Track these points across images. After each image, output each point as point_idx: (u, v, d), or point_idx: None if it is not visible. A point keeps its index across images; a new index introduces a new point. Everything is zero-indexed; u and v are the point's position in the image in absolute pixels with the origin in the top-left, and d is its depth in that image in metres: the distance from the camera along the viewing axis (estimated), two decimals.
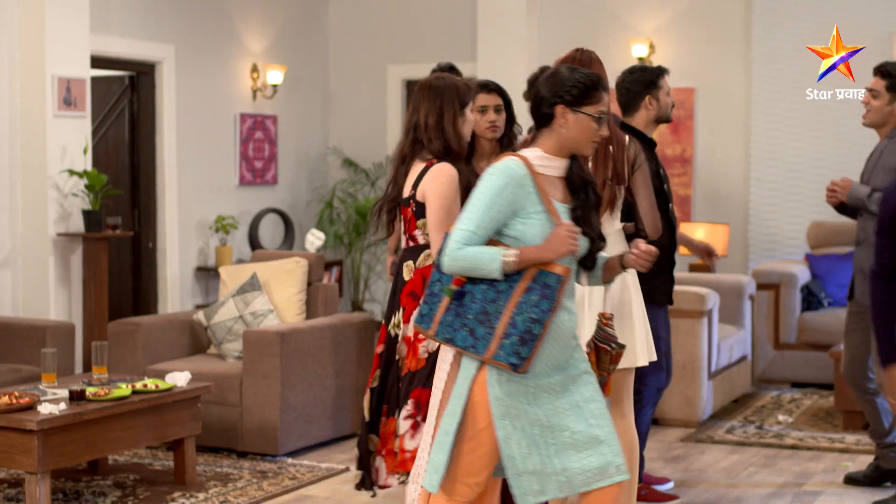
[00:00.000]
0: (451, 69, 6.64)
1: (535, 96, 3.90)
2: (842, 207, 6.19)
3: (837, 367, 7.40)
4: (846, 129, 9.59)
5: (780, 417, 7.90)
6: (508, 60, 10.30)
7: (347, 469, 6.55)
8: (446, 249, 3.77)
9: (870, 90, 6.06)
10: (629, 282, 4.99)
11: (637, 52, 10.24)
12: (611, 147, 5.03)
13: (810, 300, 9.10)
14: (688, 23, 10.33)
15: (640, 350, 5.02)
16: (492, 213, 3.76)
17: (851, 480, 6.33)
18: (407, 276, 4.92)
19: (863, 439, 7.19)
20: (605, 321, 4.14)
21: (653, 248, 3.93)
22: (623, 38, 10.42)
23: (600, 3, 10.58)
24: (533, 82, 6.22)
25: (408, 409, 4.84)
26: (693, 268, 9.75)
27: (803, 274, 9.18)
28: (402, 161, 5.00)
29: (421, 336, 3.91)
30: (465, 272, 3.76)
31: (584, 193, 3.92)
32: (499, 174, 3.79)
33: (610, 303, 4.03)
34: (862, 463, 6.68)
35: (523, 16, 10.44)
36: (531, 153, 3.87)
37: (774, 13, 9.96)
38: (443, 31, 11.23)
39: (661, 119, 5.93)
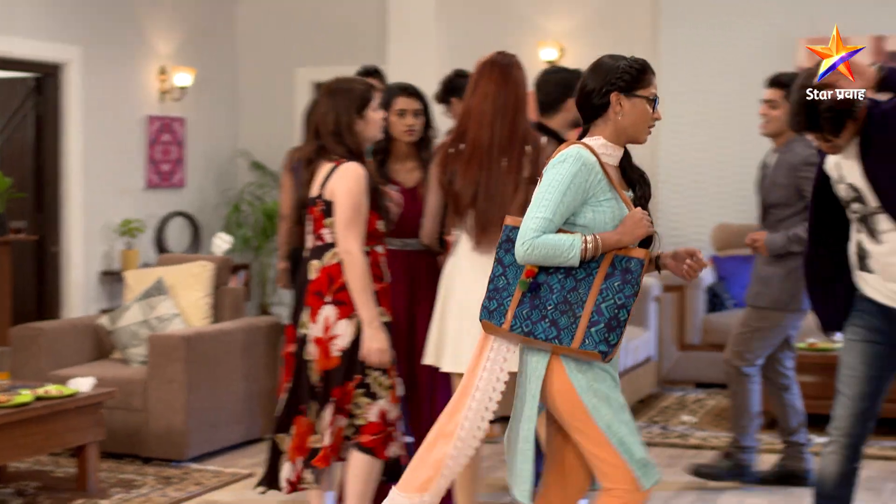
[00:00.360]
0: (376, 72, 6.68)
1: (582, 91, 3.80)
2: None
3: None
4: (750, 130, 9.69)
5: (685, 418, 8.00)
6: (419, 63, 10.31)
7: (252, 474, 6.51)
8: (523, 238, 3.61)
9: (767, 101, 6.08)
10: None
11: (546, 55, 10.30)
12: (527, 147, 5.03)
13: (714, 301, 9.22)
14: (597, 26, 10.42)
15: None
16: (566, 200, 3.63)
17: (761, 480, 6.39)
18: (313, 275, 4.93)
19: (765, 438, 7.28)
20: None
21: (705, 263, 3.85)
22: (532, 40, 10.48)
23: (509, 6, 10.64)
24: (447, 84, 6.26)
25: (331, 408, 4.86)
26: None
27: (708, 275, 9.30)
28: (308, 164, 5.02)
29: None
30: (543, 261, 3.62)
31: (641, 183, 3.86)
32: (572, 161, 3.67)
33: None
34: (765, 462, 6.76)
35: (433, 18, 10.48)
36: (594, 141, 3.77)
37: (682, 17, 10.08)
38: (352, 34, 11.22)
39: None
